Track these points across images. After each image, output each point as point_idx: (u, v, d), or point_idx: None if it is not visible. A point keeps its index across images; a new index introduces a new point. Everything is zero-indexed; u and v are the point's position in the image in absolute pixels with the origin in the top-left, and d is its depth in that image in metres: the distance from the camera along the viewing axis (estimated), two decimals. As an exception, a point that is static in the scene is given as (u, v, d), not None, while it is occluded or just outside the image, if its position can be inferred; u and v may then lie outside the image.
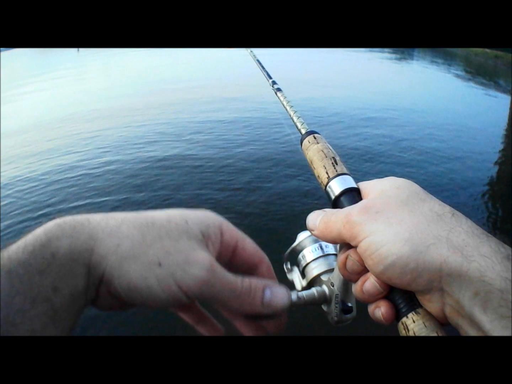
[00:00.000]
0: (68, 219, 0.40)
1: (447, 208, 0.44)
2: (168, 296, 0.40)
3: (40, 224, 0.40)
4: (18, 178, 5.67)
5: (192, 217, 0.44)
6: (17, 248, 0.37)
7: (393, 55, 19.66)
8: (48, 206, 4.89)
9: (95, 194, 5.08)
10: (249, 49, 1.02)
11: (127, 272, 0.39)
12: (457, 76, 15.24)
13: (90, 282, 0.39)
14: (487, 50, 19.09)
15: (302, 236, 0.61)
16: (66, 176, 5.64)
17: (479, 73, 16.43)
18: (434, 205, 0.44)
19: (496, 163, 6.73)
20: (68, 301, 0.38)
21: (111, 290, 0.40)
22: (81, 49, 21.64)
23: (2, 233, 4.26)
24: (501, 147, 7.59)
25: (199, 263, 0.41)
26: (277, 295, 0.46)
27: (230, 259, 0.48)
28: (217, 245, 0.45)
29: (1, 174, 5.73)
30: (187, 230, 0.43)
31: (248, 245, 0.49)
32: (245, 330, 0.51)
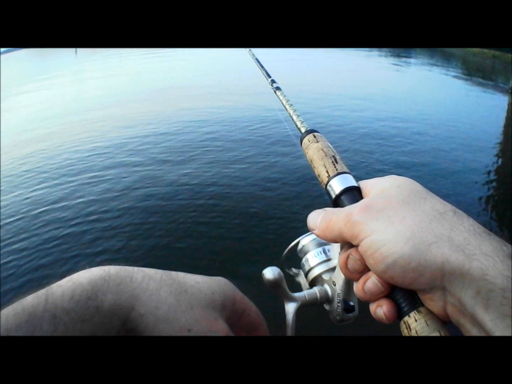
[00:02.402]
0: (112, 273, 0.44)
1: (449, 206, 0.44)
2: None
3: (83, 267, 0.44)
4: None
5: (216, 289, 0.49)
6: (62, 295, 0.40)
7: (391, 56, 19.68)
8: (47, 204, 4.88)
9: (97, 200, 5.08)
10: (247, 48, 1.02)
11: (160, 333, 0.43)
12: (455, 76, 15.25)
13: (120, 332, 0.43)
14: (485, 50, 19.11)
15: (305, 241, 0.61)
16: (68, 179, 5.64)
17: (477, 73, 16.45)
18: (436, 204, 0.44)
19: (495, 162, 6.74)
20: None
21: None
22: (79, 52, 21.63)
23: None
24: (499, 146, 7.60)
25: (218, 333, 0.46)
26: None
27: (236, 321, 0.51)
28: (229, 312, 0.50)
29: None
30: (212, 300, 0.48)
31: (253, 313, 0.53)
32: None
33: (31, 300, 0.39)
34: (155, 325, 0.43)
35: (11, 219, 4.68)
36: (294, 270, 0.64)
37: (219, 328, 0.46)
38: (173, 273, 0.49)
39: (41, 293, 0.40)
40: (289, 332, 0.54)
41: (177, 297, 0.46)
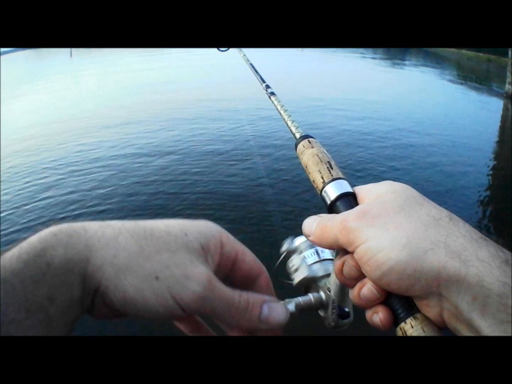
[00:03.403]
0: (64, 228, 0.40)
1: (445, 212, 0.44)
2: (164, 310, 0.40)
3: (34, 231, 0.39)
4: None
5: (191, 229, 0.44)
6: (11, 257, 0.36)
7: (385, 59, 19.77)
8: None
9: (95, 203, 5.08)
10: (242, 53, 1.02)
11: (123, 284, 0.39)
12: (450, 80, 15.33)
13: (86, 292, 0.39)
14: (480, 53, 19.24)
15: (298, 241, 0.61)
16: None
17: (472, 77, 16.54)
18: (431, 210, 0.44)
19: (490, 166, 6.77)
20: (63, 311, 0.37)
21: (106, 300, 0.40)
22: (74, 55, 21.61)
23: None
24: (494, 150, 7.64)
25: (196, 278, 0.40)
26: (275, 311, 0.45)
27: (229, 271, 0.47)
28: (217, 257, 0.45)
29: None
30: (186, 243, 0.42)
31: (248, 258, 0.48)
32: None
33: None
34: (116, 276, 0.39)
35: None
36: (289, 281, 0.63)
37: (196, 271, 0.41)
38: (141, 221, 0.43)
39: None
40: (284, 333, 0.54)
41: (139, 242, 0.40)
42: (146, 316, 0.40)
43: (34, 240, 0.38)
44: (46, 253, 0.37)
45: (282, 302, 0.50)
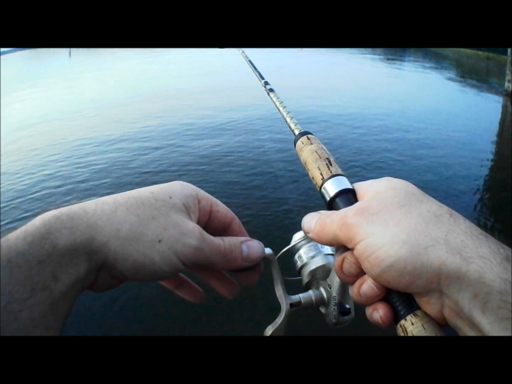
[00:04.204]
0: (65, 211, 0.42)
1: (445, 208, 0.44)
2: (169, 268, 0.44)
3: (37, 214, 0.42)
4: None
5: (173, 191, 0.48)
6: (16, 238, 0.38)
7: (384, 57, 19.78)
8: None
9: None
10: (240, 49, 1.01)
11: (131, 253, 0.42)
12: (449, 78, 15.34)
13: (91, 268, 0.42)
14: (479, 52, 19.25)
15: (297, 237, 0.61)
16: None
17: (471, 75, 16.54)
18: (432, 206, 0.44)
19: (490, 163, 6.77)
20: (68, 288, 0.40)
21: (113, 272, 0.43)
22: (72, 54, 21.60)
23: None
24: (494, 147, 7.65)
25: (190, 233, 0.45)
26: (253, 248, 0.51)
27: (207, 222, 0.51)
28: (197, 212, 0.49)
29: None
30: (173, 205, 0.46)
31: (221, 208, 0.52)
32: (220, 288, 0.55)
33: None
34: (123, 247, 0.42)
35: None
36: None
37: (190, 228, 0.46)
38: (128, 191, 0.47)
39: None
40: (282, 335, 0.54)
41: (136, 211, 0.44)
42: (151, 278, 0.45)
43: (37, 223, 0.40)
44: (50, 235, 0.39)
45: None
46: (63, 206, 0.43)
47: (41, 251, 0.38)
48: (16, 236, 0.39)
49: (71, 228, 0.41)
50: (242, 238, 0.52)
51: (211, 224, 0.52)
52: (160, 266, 0.44)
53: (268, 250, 0.54)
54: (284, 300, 0.55)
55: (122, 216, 0.43)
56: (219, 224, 0.53)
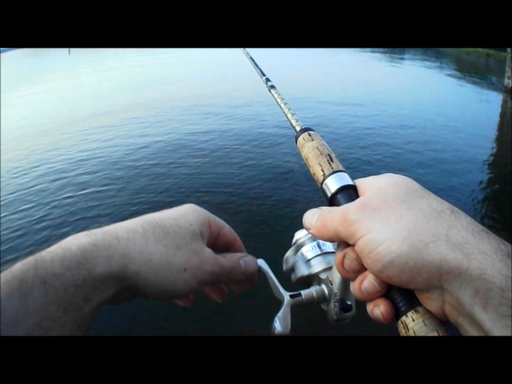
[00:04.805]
0: (99, 238, 0.46)
1: (446, 204, 0.44)
2: (189, 290, 0.51)
3: (69, 234, 0.46)
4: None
5: (191, 218, 0.53)
6: (51, 261, 0.41)
7: (384, 55, 19.74)
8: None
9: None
10: (242, 48, 1.01)
11: (160, 281, 0.48)
12: (449, 75, 15.31)
13: (119, 290, 0.46)
14: (479, 48, 19.20)
15: (299, 235, 0.61)
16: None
17: (471, 72, 16.51)
18: (433, 202, 0.44)
19: (491, 159, 6.77)
20: (96, 308, 0.44)
21: (138, 293, 0.49)
22: (72, 52, 21.54)
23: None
24: (494, 143, 7.64)
25: (208, 261, 0.52)
26: (248, 263, 0.58)
27: (214, 242, 0.57)
28: (207, 236, 0.55)
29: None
30: (193, 232, 0.52)
31: (226, 231, 0.58)
32: (212, 294, 0.62)
33: (20, 266, 0.40)
34: (153, 276, 0.47)
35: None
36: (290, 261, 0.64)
37: (207, 255, 0.52)
38: (150, 217, 0.52)
39: (30, 259, 0.41)
40: (286, 332, 0.54)
41: (163, 242, 0.49)
42: (171, 299, 0.52)
43: (73, 248, 0.43)
44: (87, 262, 0.43)
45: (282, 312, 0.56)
46: (95, 228, 0.48)
47: (77, 276, 0.41)
48: (52, 258, 0.41)
49: (107, 256, 0.44)
50: (239, 254, 0.58)
51: (217, 244, 0.57)
52: (182, 290, 0.50)
53: (260, 261, 0.60)
54: (283, 292, 0.57)
55: (152, 247, 0.48)
56: (223, 243, 0.58)
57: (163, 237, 0.50)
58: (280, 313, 0.55)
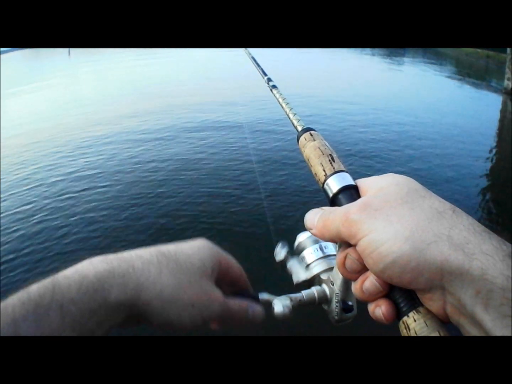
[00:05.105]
0: (116, 266, 0.47)
1: (448, 205, 0.43)
2: (194, 326, 0.51)
3: (85, 258, 0.47)
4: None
5: (203, 256, 0.55)
6: (68, 286, 0.42)
7: (384, 56, 19.75)
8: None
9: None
10: (243, 48, 1.01)
11: (167, 313, 0.49)
12: (449, 76, 15.31)
13: (128, 317, 0.47)
14: (478, 50, 19.22)
15: (302, 237, 0.61)
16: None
17: (470, 73, 16.52)
18: (434, 202, 0.44)
19: (491, 160, 6.77)
20: (106, 332, 0.45)
21: (145, 321, 0.50)
22: (72, 54, 21.55)
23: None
24: (494, 145, 7.64)
25: (217, 301, 0.53)
26: (256, 311, 0.58)
27: (221, 278, 0.57)
28: (217, 274, 0.56)
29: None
30: (204, 271, 0.53)
31: (234, 267, 0.60)
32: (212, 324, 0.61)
33: (37, 289, 0.40)
34: (163, 308, 0.48)
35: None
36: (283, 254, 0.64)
37: (216, 296, 0.53)
38: (164, 250, 0.53)
39: (47, 283, 0.42)
40: (286, 333, 0.54)
41: (176, 275, 0.50)
42: (175, 331, 0.51)
43: (90, 275, 0.45)
44: (103, 289, 0.44)
45: (285, 296, 0.57)
46: (109, 253, 0.50)
47: (94, 303, 0.43)
48: (69, 284, 0.43)
49: (122, 285, 0.46)
50: (248, 302, 0.58)
51: (224, 279, 0.58)
52: (187, 325, 0.51)
53: (264, 295, 0.59)
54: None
55: (165, 279, 0.49)
56: (231, 279, 0.60)
57: (177, 272, 0.51)
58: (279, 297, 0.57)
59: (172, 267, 0.51)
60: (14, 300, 0.39)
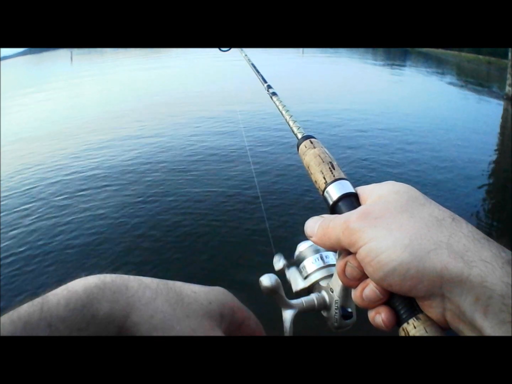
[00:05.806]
0: (108, 282, 0.44)
1: (447, 212, 0.44)
2: None
3: (79, 276, 0.44)
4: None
5: (213, 298, 0.49)
6: (57, 304, 0.40)
7: (385, 62, 19.78)
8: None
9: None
10: (243, 53, 1.01)
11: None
12: (450, 83, 15.33)
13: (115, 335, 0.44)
14: (480, 56, 19.25)
15: (302, 247, 0.61)
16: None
17: (472, 80, 16.53)
18: (434, 210, 0.44)
19: (491, 167, 6.76)
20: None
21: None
22: (74, 60, 21.65)
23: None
24: (495, 151, 7.64)
25: None
26: None
27: (235, 331, 0.51)
28: (228, 322, 0.49)
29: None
30: (209, 310, 0.48)
31: (252, 322, 0.52)
32: None
33: (26, 308, 0.39)
34: (149, 333, 0.43)
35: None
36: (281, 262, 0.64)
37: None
38: (170, 282, 0.49)
39: (36, 302, 0.40)
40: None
41: (173, 306, 0.45)
42: None
43: (80, 291, 0.42)
44: (92, 306, 0.42)
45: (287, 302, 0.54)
46: (106, 273, 0.46)
47: (81, 320, 0.41)
48: (58, 301, 0.41)
49: (112, 302, 0.43)
50: None
51: (238, 332, 0.52)
52: None
53: (272, 277, 0.54)
54: (288, 326, 0.56)
55: (159, 305, 0.45)
56: (246, 335, 0.53)
57: (174, 302, 0.46)
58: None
59: (172, 296, 0.47)
60: (5, 318, 0.38)
